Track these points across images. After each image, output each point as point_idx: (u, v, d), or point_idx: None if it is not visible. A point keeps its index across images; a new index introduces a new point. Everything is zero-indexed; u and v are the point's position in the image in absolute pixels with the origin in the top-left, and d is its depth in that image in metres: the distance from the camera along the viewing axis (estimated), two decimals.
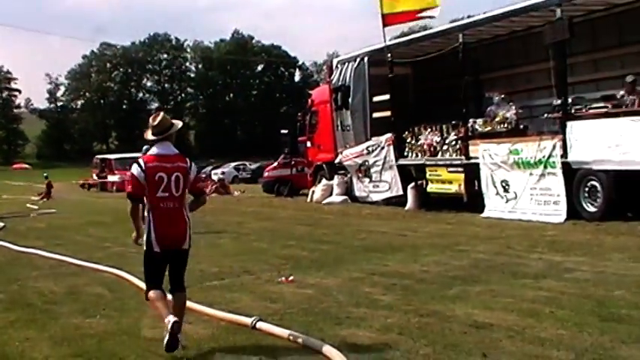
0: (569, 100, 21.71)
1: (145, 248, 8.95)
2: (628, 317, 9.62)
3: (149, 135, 9.27)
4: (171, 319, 8.51)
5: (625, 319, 9.52)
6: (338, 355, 8.04)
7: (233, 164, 63.23)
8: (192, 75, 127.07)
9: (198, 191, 9.71)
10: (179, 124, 9.67)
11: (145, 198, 8.95)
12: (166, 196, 8.89)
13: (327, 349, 8.32)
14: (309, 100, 35.22)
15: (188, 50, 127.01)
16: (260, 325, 9.53)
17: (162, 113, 9.55)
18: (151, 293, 9.00)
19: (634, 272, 12.75)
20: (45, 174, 50.67)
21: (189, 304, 10.51)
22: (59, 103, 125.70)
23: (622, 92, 21.01)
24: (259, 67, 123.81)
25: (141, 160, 9.02)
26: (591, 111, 21.23)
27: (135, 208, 9.14)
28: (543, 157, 21.18)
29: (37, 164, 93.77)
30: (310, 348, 8.53)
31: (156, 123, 9.18)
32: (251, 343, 9.01)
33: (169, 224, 8.98)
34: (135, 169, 8.92)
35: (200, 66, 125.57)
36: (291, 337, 9.01)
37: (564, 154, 20.69)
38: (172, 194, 8.92)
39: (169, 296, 9.14)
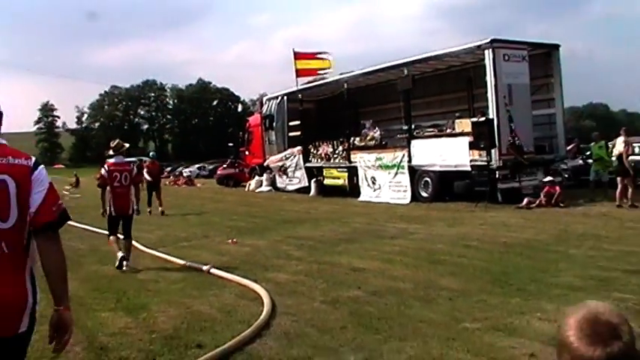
0: (412, 127, 22.12)
1: (107, 214, 10.91)
2: (444, 261, 10.10)
3: (110, 151, 11.31)
4: (119, 254, 10.57)
5: (443, 262, 9.99)
6: (258, 287, 8.36)
7: (197, 165, 62.10)
8: (170, 107, 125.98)
9: (135, 183, 11.48)
10: (126, 145, 11.75)
11: (107, 186, 10.82)
12: (119, 185, 10.82)
13: (249, 283, 8.72)
14: (247, 124, 35.11)
15: (168, 90, 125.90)
16: (213, 270, 9.81)
17: (118, 140, 11.87)
18: (111, 237, 10.96)
19: (449, 233, 13.20)
20: (74, 172, 49.42)
21: (170, 257, 11.30)
22: (84, 125, 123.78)
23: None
24: (215, 102, 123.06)
25: (106, 166, 10.97)
26: (425, 134, 21.81)
27: (103, 193, 10.96)
28: (397, 162, 21.51)
29: (69, 165, 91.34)
30: (242, 284, 8.80)
31: (113, 145, 11.34)
32: (208, 282, 9.27)
33: (120, 200, 10.83)
34: (103, 170, 10.94)
35: (175, 101, 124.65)
36: (230, 277, 9.32)
37: (409, 160, 21.06)
38: (122, 184, 10.85)
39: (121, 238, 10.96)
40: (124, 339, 6.51)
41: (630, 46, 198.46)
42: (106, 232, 11.36)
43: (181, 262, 10.92)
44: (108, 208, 10.89)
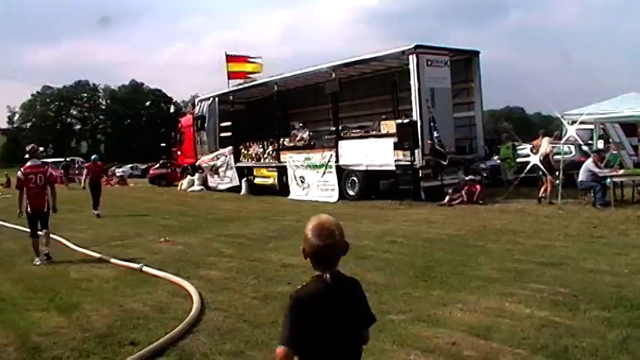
0: (340, 128, 22.31)
1: (22, 213, 11.35)
2: (370, 256, 10.21)
3: (27, 155, 11.94)
4: (44, 249, 11.26)
5: (369, 257, 10.09)
6: (188, 284, 8.34)
7: (129, 165, 61.13)
8: (103, 107, 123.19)
9: (51, 183, 11.75)
10: (41, 149, 12.88)
11: (24, 187, 11.29)
12: (35, 186, 11.28)
13: (180, 280, 8.69)
14: (179, 125, 34.76)
15: (100, 91, 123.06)
16: (145, 268, 9.74)
17: (32, 144, 12.44)
18: (33, 238, 11.24)
19: (375, 230, 13.35)
20: (5, 172, 47.82)
21: (102, 256, 11.17)
22: (15, 125, 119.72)
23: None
24: (147, 103, 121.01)
25: (22, 169, 11.55)
26: (352, 135, 22.01)
27: (20, 194, 11.38)
28: (325, 162, 21.67)
29: (0, 165, 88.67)
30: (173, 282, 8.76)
31: (29, 149, 11.97)
32: (141, 280, 9.19)
33: (36, 199, 11.28)
34: (19, 173, 11.51)
35: (108, 101, 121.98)
36: (162, 275, 9.29)
37: (337, 160, 21.24)
38: (37, 185, 11.29)
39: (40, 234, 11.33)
40: (57, 338, 6.39)
41: (544, 53, 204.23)
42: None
43: (114, 260, 10.75)
44: (23, 209, 11.31)
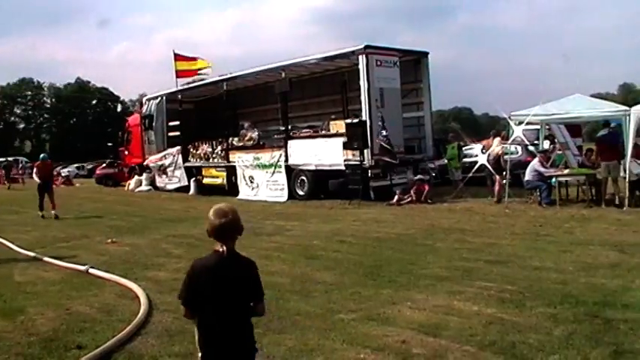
0: (289, 128, 22.31)
1: None
2: (320, 256, 10.24)
3: None
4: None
5: (318, 257, 10.13)
6: (135, 286, 8.24)
7: (75, 165, 60.02)
8: (48, 106, 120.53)
9: None
10: None
11: None
12: None
13: (127, 282, 8.59)
14: (127, 124, 34.30)
15: (45, 89, 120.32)
16: (92, 270, 9.55)
17: None
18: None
19: (324, 229, 13.38)
20: None
21: (46, 259, 10.88)
22: None
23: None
24: (94, 102, 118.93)
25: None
26: (301, 134, 22.01)
27: None
28: (274, 161, 21.60)
29: None
30: (120, 284, 8.64)
31: None
32: (87, 282, 9.01)
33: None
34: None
35: (53, 100, 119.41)
36: (108, 277, 9.14)
37: (286, 160, 21.21)
38: None
39: None
40: (0, 343, 6.23)
41: (491, 54, 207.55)
42: None
43: (59, 263, 10.51)
44: None
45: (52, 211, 18.58)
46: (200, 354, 3.67)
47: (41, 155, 21.75)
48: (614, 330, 5.72)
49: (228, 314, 3.61)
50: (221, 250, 3.67)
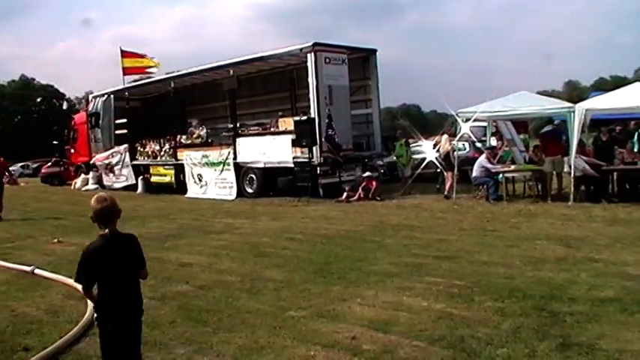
0: (238, 125, 22.21)
1: None
2: (269, 253, 10.21)
3: None
4: None
5: (268, 255, 10.09)
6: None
7: (20, 164, 58.81)
8: None
9: None
10: None
11: None
12: None
13: (73, 282, 8.29)
14: (73, 122, 33.72)
15: None
16: (37, 271, 9.33)
17: None
18: None
19: (273, 227, 13.31)
20: None
21: None
22: None
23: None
24: (39, 99, 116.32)
25: None
26: (250, 132, 21.91)
27: None
28: (222, 159, 21.46)
29: None
30: (65, 283, 8.33)
31: None
32: (33, 283, 8.82)
33: None
34: None
35: None
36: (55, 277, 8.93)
37: (235, 158, 21.09)
38: None
39: None
40: None
41: (439, 52, 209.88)
42: None
43: (4, 264, 10.22)
44: None
45: None
46: (96, 315, 4.44)
47: None
48: (561, 323, 5.81)
49: (121, 283, 4.34)
50: (105, 232, 4.36)
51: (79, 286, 4.45)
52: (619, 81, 63.33)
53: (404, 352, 5.24)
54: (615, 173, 15.38)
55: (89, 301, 7.17)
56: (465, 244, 10.16)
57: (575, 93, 72.05)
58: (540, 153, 16.90)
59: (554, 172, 15.95)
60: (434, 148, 19.23)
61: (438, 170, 18.51)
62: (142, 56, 31.14)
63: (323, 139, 18.30)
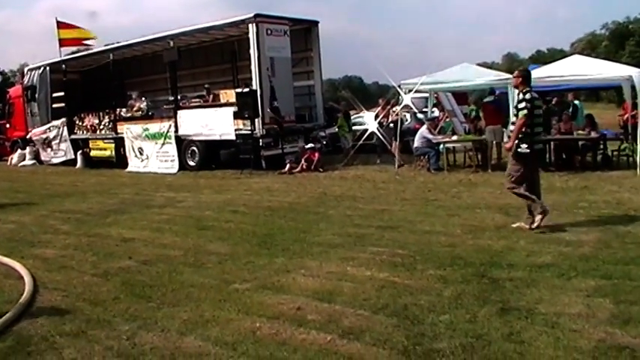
0: (179, 97, 21.93)
1: None
2: (212, 226, 10.16)
3: None
4: None
5: (211, 228, 10.05)
6: (18, 265, 7.87)
7: None
8: None
9: None
10: None
11: None
12: None
13: (8, 261, 8.17)
14: (8, 96, 32.74)
15: None
16: None
17: None
18: None
19: (216, 200, 13.27)
20: None
21: None
22: None
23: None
24: None
25: None
26: (191, 104, 21.67)
27: None
28: (163, 132, 21.17)
29: None
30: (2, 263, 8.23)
31: None
32: None
33: None
34: None
35: None
36: None
37: (176, 130, 20.85)
38: None
39: None
40: None
41: (381, 24, 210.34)
42: None
43: None
44: None
45: None
46: None
47: None
48: (501, 289, 5.94)
49: None
50: None
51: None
52: (556, 54, 64.60)
53: (348, 322, 5.28)
54: (552, 143, 15.72)
55: (28, 281, 7.08)
56: (407, 214, 10.29)
57: (514, 65, 73.18)
58: (477, 123, 17.18)
59: (494, 142, 16.21)
60: (375, 119, 19.36)
61: (376, 142, 18.66)
62: (78, 28, 30.35)
63: (269, 110, 18.25)
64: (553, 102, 18.27)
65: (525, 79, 8.84)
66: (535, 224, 8.47)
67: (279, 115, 18.37)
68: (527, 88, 8.69)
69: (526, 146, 8.61)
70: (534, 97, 8.66)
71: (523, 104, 8.53)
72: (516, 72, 9.28)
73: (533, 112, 8.59)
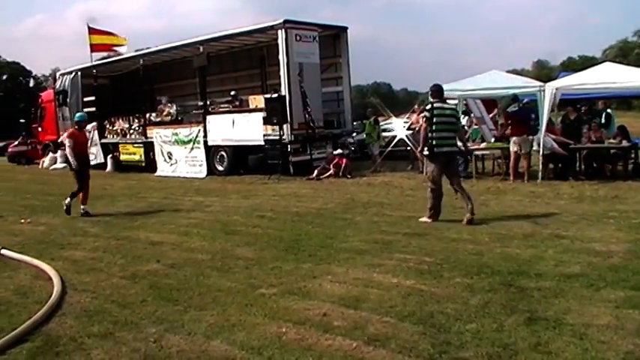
0: (208, 103, 22.06)
1: None
2: (240, 231, 10.19)
3: None
4: None
5: (238, 232, 10.07)
6: (47, 267, 7.96)
7: None
8: None
9: None
10: None
11: None
12: None
13: (39, 263, 8.26)
14: (40, 100, 33.25)
15: None
16: (4, 251, 9.17)
17: None
18: None
19: (244, 205, 13.30)
20: None
21: None
22: None
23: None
24: (4, 77, 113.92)
25: None
26: (220, 109, 21.79)
27: None
28: (192, 137, 21.35)
29: None
30: (29, 264, 8.37)
31: None
32: (1, 263, 8.64)
33: None
34: None
35: None
36: (20, 258, 8.80)
37: (205, 136, 21.00)
38: None
39: None
40: None
41: (410, 30, 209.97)
42: None
43: None
44: None
45: None
46: None
47: None
48: (528, 298, 5.88)
49: None
50: None
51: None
52: (587, 61, 63.86)
53: (374, 329, 5.27)
54: (583, 151, 15.56)
55: (56, 282, 7.16)
56: (434, 221, 10.23)
57: (543, 72, 72.55)
58: (508, 131, 17.05)
59: (521, 152, 16.00)
60: (410, 127, 19.30)
61: (409, 148, 18.59)
62: (110, 33, 30.73)
63: (307, 116, 18.37)
64: (583, 110, 18.07)
65: (436, 92, 10.44)
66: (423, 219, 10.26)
67: (313, 122, 18.48)
68: (434, 100, 10.33)
69: (426, 149, 10.20)
70: (435, 107, 10.19)
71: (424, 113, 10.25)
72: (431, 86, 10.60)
73: (432, 120, 10.08)
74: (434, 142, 10.08)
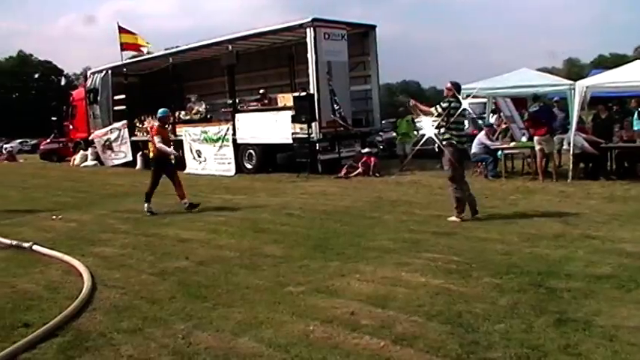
0: (237, 101, 22.17)
1: None
2: (268, 229, 10.20)
3: None
4: None
5: (266, 230, 10.08)
6: (77, 262, 8.05)
7: (18, 141, 58.78)
8: None
9: None
10: None
11: None
12: None
13: (69, 259, 8.36)
14: (71, 98, 33.63)
15: None
16: (35, 247, 9.26)
17: None
18: None
19: (272, 203, 13.31)
20: None
21: None
22: None
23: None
24: (36, 75, 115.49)
25: None
26: (249, 108, 21.89)
27: None
28: (221, 135, 21.41)
29: None
30: (60, 259, 8.45)
31: None
32: (33, 259, 8.73)
33: None
34: None
35: None
36: (51, 253, 8.91)
37: (234, 134, 21.09)
38: None
39: None
40: None
41: (439, 28, 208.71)
42: None
43: (2, 240, 10.16)
44: None
45: None
46: None
47: None
48: (558, 299, 5.82)
49: None
50: None
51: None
52: (618, 59, 62.94)
53: (402, 328, 5.25)
54: (614, 151, 15.37)
55: (85, 278, 7.25)
56: (463, 221, 10.18)
57: (573, 70, 71.69)
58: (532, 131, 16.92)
59: (545, 151, 15.81)
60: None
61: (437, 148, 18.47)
62: (135, 34, 31.15)
63: (339, 115, 18.41)
64: (614, 109, 17.86)
65: (456, 89, 10.46)
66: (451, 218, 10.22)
67: (344, 120, 18.52)
68: (453, 99, 10.37)
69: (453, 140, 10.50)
70: (455, 106, 10.28)
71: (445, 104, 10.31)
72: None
73: (451, 118, 10.28)
74: (455, 140, 10.45)
